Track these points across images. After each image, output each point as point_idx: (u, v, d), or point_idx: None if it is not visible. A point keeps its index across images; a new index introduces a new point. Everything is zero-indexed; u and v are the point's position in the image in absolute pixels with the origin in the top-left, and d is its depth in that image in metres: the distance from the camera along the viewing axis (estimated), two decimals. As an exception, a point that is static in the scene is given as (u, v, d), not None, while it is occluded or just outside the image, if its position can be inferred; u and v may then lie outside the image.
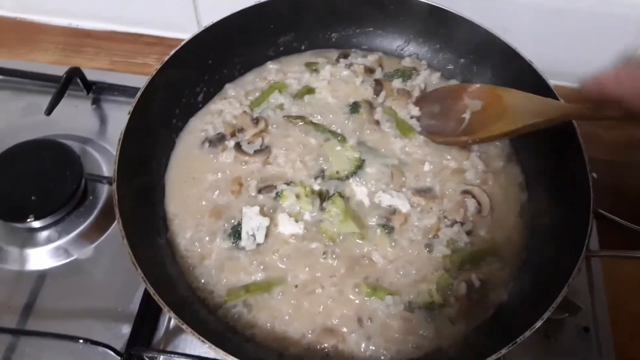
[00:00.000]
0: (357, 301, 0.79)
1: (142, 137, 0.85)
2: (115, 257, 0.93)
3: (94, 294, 0.90)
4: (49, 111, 0.97)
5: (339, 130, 0.94)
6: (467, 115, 0.91)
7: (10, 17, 1.24)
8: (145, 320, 0.87)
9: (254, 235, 0.82)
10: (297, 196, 0.86)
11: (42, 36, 1.21)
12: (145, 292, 0.87)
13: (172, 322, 0.88)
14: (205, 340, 0.66)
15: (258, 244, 0.82)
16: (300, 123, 0.94)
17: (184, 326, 0.66)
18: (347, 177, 0.89)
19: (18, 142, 0.98)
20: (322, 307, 0.78)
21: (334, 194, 0.86)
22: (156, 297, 0.68)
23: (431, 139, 0.94)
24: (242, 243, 0.82)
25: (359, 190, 0.88)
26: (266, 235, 0.83)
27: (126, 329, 0.86)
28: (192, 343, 0.85)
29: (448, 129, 0.93)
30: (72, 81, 1.04)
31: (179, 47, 0.91)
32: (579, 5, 1.04)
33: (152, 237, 0.81)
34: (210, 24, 0.94)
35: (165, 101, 0.91)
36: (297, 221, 0.84)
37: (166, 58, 0.89)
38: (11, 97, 1.10)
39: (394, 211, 0.86)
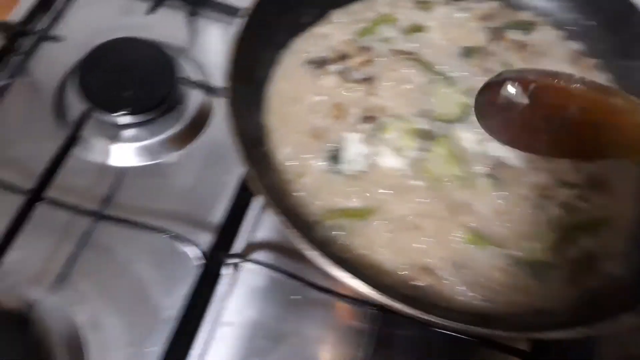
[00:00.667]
0: (456, 246, 0.75)
1: (250, 46, 0.82)
2: (199, 166, 0.91)
3: (175, 198, 0.88)
4: (150, 10, 0.95)
5: (447, 73, 0.90)
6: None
7: None
8: (227, 230, 0.85)
9: (354, 161, 0.79)
10: (401, 131, 0.82)
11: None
12: (234, 203, 0.86)
13: (255, 235, 0.86)
14: (312, 248, 0.64)
15: (357, 171, 0.80)
16: (408, 59, 0.90)
17: (290, 229, 0.64)
18: (453, 121, 0.84)
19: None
20: (418, 245, 0.75)
21: (440, 135, 0.82)
22: (267, 199, 0.65)
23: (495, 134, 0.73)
24: (342, 167, 0.79)
25: (464, 136, 0.84)
26: (366, 165, 0.80)
27: (205, 237, 0.84)
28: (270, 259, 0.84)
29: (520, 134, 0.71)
30: (175, -14, 1.02)
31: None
32: None
33: (255, 146, 0.78)
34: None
35: (272, 17, 0.87)
36: (398, 156, 0.81)
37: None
38: (109, -5, 1.09)
39: (502, 164, 0.81)
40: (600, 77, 0.92)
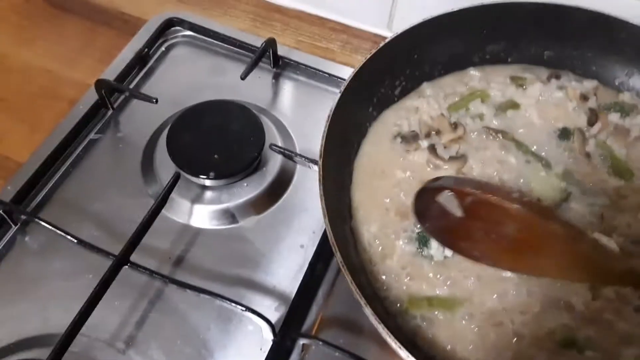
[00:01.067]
0: (550, 346, 0.70)
1: (342, 120, 0.81)
2: (278, 232, 0.90)
3: (250, 265, 0.87)
4: (245, 75, 0.97)
5: (542, 154, 0.86)
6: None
7: (208, -21, 1.27)
8: (301, 305, 0.82)
9: (443, 248, 0.75)
10: (495, 216, 0.78)
11: (234, 2, 1.22)
12: (306, 274, 0.84)
13: (328, 309, 0.83)
14: (395, 340, 0.60)
15: (446, 257, 0.76)
16: (502, 138, 0.87)
17: (374, 317, 0.61)
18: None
19: (202, 99, 0.98)
20: (510, 342, 0.70)
21: None
22: (354, 287, 0.62)
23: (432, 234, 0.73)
24: (431, 252, 0.76)
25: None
26: (457, 250, 0.76)
27: (277, 308, 0.83)
28: (341, 338, 0.80)
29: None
30: (266, 52, 1.04)
31: (388, 39, 0.86)
32: None
33: (340, 223, 0.76)
34: (424, 19, 0.88)
35: (366, 89, 0.87)
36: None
37: (379, 46, 0.85)
38: (200, 55, 1.11)
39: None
40: None
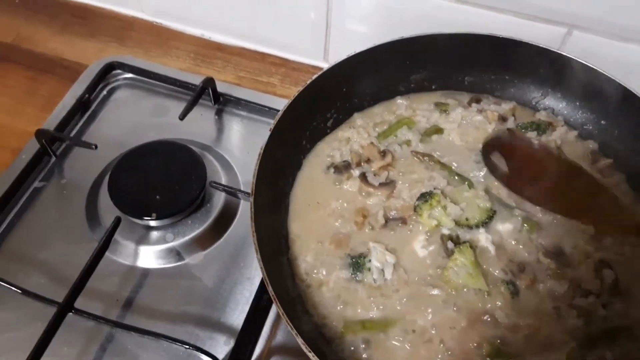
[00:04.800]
0: (478, 359, 0.75)
1: (276, 154, 0.85)
2: (223, 267, 0.93)
3: (197, 301, 0.90)
4: (183, 115, 1.00)
5: (467, 175, 0.91)
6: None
7: (149, 21, 1.30)
8: (247, 337, 0.85)
9: (382, 271, 0.79)
10: (424, 235, 0.83)
11: (175, 43, 1.26)
12: (252, 307, 0.87)
13: (273, 342, 0.86)
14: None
15: (379, 280, 0.80)
16: (428, 161, 0.92)
17: (310, 354, 0.64)
18: (477, 226, 0.85)
19: (145, 140, 1.01)
20: (441, 358, 0.74)
21: (463, 243, 0.82)
22: (286, 319, 0.66)
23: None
24: (363, 275, 0.80)
25: (483, 238, 0.84)
26: (388, 273, 0.80)
27: (226, 342, 0.85)
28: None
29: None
30: (205, 91, 1.08)
31: (320, 73, 0.92)
32: None
33: (276, 256, 0.80)
34: (350, 54, 0.93)
35: (299, 122, 0.92)
36: (421, 264, 0.81)
37: (307, 82, 0.90)
38: (141, 97, 1.15)
39: (522, 268, 0.81)
40: (617, 177, 0.93)
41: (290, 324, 0.66)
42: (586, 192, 0.86)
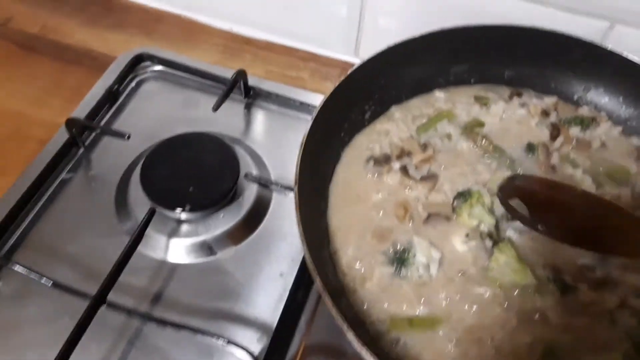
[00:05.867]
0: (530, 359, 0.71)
1: (316, 146, 0.82)
2: (256, 262, 0.90)
3: (230, 296, 0.86)
4: (217, 107, 0.97)
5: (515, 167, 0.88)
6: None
7: (176, 14, 1.28)
8: (283, 334, 0.82)
9: (428, 266, 0.76)
10: (468, 230, 0.80)
11: (204, 36, 1.24)
12: (287, 302, 0.84)
13: (311, 337, 0.83)
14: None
15: (424, 276, 0.77)
16: (482, 142, 0.89)
17: (356, 341, 0.61)
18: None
19: (175, 132, 0.99)
20: (492, 357, 0.71)
21: (502, 239, 0.79)
22: (334, 311, 0.63)
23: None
24: (408, 271, 0.77)
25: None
26: (434, 269, 0.77)
27: (260, 339, 0.82)
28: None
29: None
30: (237, 83, 1.05)
31: (354, 68, 0.89)
32: None
33: (318, 249, 0.77)
34: (388, 45, 0.91)
35: (337, 115, 0.89)
36: (466, 261, 0.78)
37: (347, 73, 0.87)
38: (171, 89, 1.12)
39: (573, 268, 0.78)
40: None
41: (341, 316, 0.62)
42: (621, 226, 0.77)
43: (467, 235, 0.81)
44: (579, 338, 0.73)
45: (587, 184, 0.86)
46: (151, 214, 0.85)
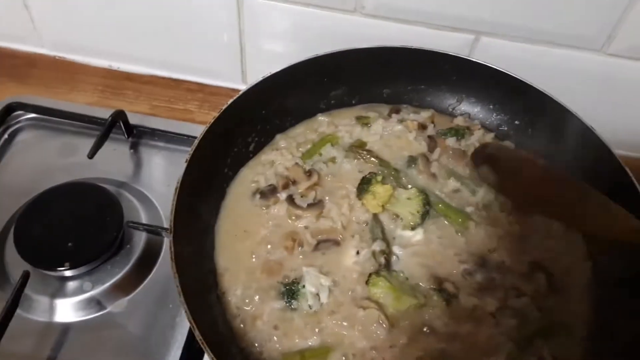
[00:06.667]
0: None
1: (195, 186, 0.81)
2: (150, 311, 0.87)
3: (126, 350, 0.83)
4: (92, 154, 0.94)
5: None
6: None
7: (50, 56, 1.22)
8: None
9: (318, 295, 0.77)
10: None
11: (81, 76, 1.19)
12: (184, 352, 0.82)
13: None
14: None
15: (313, 305, 0.77)
16: (367, 156, 0.92)
17: None
18: (412, 228, 0.85)
19: (54, 183, 0.94)
20: (378, 381, 0.72)
21: (370, 276, 0.79)
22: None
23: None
24: (297, 303, 0.77)
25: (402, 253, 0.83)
26: (324, 297, 0.77)
27: (161, 394, 0.80)
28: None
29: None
30: (115, 124, 1.01)
31: (235, 97, 0.89)
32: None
33: (203, 294, 0.75)
34: (266, 75, 0.92)
35: (218, 150, 0.88)
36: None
37: (223, 108, 0.87)
38: (47, 137, 1.07)
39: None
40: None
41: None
42: (576, 199, 0.83)
43: (357, 253, 0.83)
44: (467, 344, 0.76)
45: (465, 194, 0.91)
46: (25, 277, 0.80)
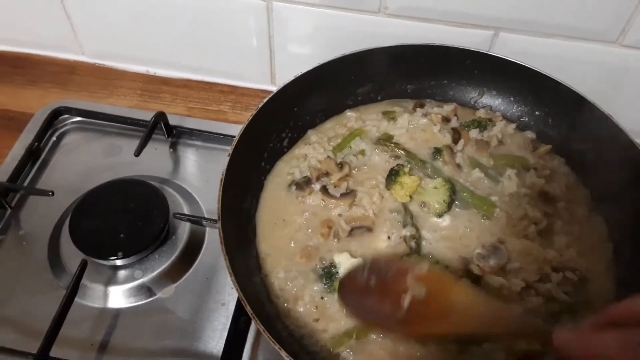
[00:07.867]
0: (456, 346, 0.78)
1: (237, 178, 0.87)
2: (196, 296, 0.93)
3: (175, 334, 0.89)
4: (139, 152, 1.00)
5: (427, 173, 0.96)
6: (406, 301, 0.69)
7: (90, 63, 1.30)
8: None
9: (348, 277, 0.82)
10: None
11: (120, 82, 1.27)
12: (230, 331, 0.87)
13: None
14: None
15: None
16: (394, 148, 0.98)
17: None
18: (440, 216, 0.91)
19: (101, 181, 1.01)
20: (418, 353, 0.77)
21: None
22: (267, 336, 0.67)
23: (356, 317, 0.76)
24: (336, 285, 0.82)
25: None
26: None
27: (207, 372, 0.86)
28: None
29: (382, 311, 0.72)
30: (157, 125, 1.08)
31: (269, 97, 0.95)
32: None
33: (249, 276, 0.81)
34: (296, 76, 0.97)
35: (255, 145, 0.95)
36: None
37: (258, 107, 0.93)
38: (92, 139, 1.14)
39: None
40: (557, 160, 1.00)
41: (273, 339, 0.67)
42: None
43: (388, 238, 0.88)
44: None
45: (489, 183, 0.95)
46: (83, 266, 0.87)
